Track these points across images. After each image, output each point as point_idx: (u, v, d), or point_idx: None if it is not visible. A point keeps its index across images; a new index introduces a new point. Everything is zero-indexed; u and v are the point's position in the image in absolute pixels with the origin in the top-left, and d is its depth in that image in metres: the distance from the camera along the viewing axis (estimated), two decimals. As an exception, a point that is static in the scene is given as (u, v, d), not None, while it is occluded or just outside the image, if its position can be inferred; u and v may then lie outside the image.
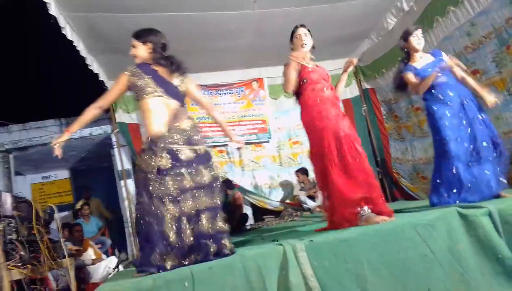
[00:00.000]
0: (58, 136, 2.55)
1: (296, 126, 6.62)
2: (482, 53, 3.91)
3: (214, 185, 2.52)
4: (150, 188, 2.40)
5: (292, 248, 2.25)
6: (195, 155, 2.50)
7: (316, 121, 3.00)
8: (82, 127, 2.63)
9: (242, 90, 6.73)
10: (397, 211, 3.25)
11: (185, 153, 2.47)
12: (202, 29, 4.92)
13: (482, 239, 2.39)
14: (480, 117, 3.10)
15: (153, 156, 2.43)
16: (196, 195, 2.44)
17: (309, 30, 3.17)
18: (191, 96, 2.76)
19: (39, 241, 3.24)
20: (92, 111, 2.55)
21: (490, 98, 3.15)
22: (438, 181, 3.15)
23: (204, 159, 2.53)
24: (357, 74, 6.83)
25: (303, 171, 6.35)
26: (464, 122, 3.08)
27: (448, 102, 3.11)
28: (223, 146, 6.59)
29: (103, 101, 2.59)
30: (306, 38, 3.12)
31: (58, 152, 2.52)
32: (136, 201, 2.50)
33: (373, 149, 6.63)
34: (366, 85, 6.83)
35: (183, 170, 2.44)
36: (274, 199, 6.61)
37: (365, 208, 2.81)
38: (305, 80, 3.06)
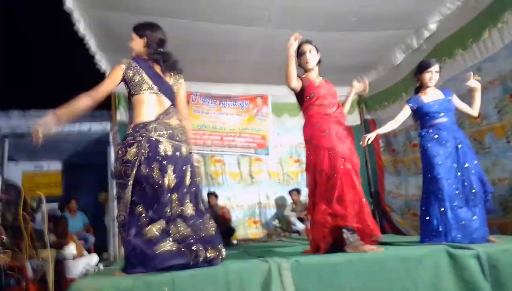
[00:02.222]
0: (46, 124, 2.30)
1: (298, 145, 6.65)
2: (485, 98, 3.92)
3: (193, 188, 2.48)
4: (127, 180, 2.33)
5: (277, 265, 2.23)
6: (176, 152, 2.41)
7: (315, 140, 3.00)
8: (72, 117, 2.39)
9: (246, 104, 6.78)
10: (386, 243, 3.24)
11: (165, 147, 2.38)
12: (214, 40, 4.96)
13: (467, 280, 2.38)
14: (473, 163, 3.13)
15: (132, 144, 2.37)
16: (175, 197, 2.37)
17: (315, 46, 3.17)
18: (177, 97, 2.68)
19: (23, 228, 3.21)
20: (84, 102, 2.39)
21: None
22: (427, 218, 3.15)
23: (184, 160, 2.44)
24: (359, 104, 6.88)
25: (297, 191, 6.36)
26: (455, 165, 3.11)
27: (443, 142, 3.15)
28: (221, 156, 6.60)
29: (96, 93, 2.44)
30: (310, 54, 3.14)
31: (39, 139, 2.27)
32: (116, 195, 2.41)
33: (368, 179, 6.63)
34: (367, 116, 6.89)
35: (161, 163, 2.35)
36: (267, 218, 6.59)
37: (355, 235, 2.80)
38: (312, 95, 3.07)
